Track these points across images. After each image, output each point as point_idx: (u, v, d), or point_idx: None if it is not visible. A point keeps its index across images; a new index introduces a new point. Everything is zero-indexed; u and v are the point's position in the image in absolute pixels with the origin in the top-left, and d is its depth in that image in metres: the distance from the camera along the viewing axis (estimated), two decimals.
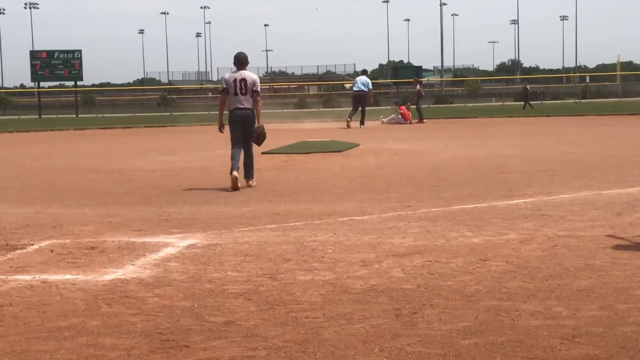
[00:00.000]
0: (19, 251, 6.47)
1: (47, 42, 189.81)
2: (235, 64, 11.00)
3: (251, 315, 4.49)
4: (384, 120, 30.11)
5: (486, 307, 4.51)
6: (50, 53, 60.66)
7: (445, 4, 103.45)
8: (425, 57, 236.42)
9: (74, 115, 57.57)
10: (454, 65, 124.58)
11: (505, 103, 59.52)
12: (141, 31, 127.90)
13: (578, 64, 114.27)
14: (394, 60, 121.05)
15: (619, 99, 59.55)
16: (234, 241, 6.69)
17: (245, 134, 10.86)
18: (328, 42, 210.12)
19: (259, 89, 10.94)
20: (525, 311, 4.42)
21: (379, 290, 4.95)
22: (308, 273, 5.47)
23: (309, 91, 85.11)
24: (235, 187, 10.38)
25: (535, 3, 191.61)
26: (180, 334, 4.17)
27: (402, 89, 66.63)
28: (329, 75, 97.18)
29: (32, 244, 6.74)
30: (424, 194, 9.55)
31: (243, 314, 4.52)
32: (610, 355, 3.70)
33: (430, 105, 32.27)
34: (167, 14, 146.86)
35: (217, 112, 11.37)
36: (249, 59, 11.08)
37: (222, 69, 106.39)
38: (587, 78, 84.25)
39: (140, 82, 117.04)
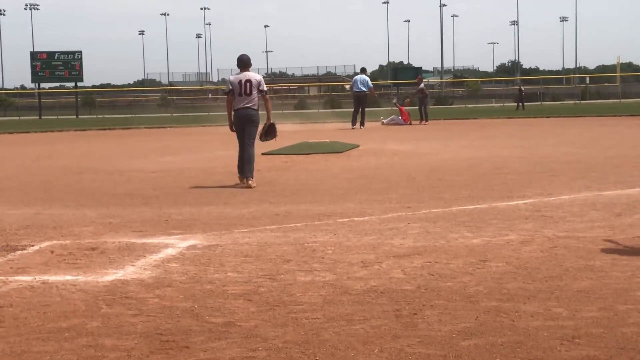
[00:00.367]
0: (19, 252, 6.47)
1: (48, 43, 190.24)
2: (238, 66, 11.32)
3: (251, 316, 4.50)
4: (384, 121, 30.11)
5: (486, 308, 4.51)
6: (51, 54, 60.65)
7: (445, 5, 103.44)
8: (425, 58, 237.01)
9: (74, 116, 57.58)
10: (453, 67, 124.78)
11: (505, 104, 59.47)
12: (141, 32, 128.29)
13: (578, 65, 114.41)
14: (394, 62, 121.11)
15: (618, 100, 59.53)
16: (234, 242, 6.69)
17: (248, 131, 11.13)
18: (328, 43, 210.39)
19: (265, 88, 11.29)
20: (525, 312, 4.42)
21: (379, 291, 4.95)
22: (308, 274, 5.47)
23: (309, 92, 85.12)
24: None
25: (535, 4, 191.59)
26: (180, 335, 4.17)
27: (402, 90, 66.62)
28: (329, 77, 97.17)
29: (33, 245, 6.75)
30: (424, 194, 9.55)
31: (243, 314, 4.52)
32: (610, 356, 3.71)
33: (430, 107, 32.23)
34: (168, 15, 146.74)
35: (225, 113, 11.60)
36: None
37: (223, 70, 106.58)
38: (587, 79, 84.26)
39: (141, 83, 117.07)
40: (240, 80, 11.07)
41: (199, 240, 6.83)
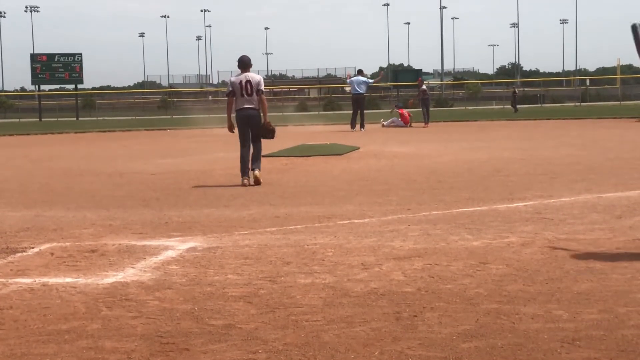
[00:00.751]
0: (19, 254, 6.47)
1: (48, 45, 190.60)
2: (239, 67, 11.50)
3: (251, 318, 4.49)
4: (385, 123, 30.12)
5: (486, 311, 4.51)
6: (51, 56, 60.71)
7: (445, 8, 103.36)
8: (425, 61, 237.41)
9: (75, 119, 57.59)
10: (454, 69, 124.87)
11: (506, 106, 59.46)
12: (142, 34, 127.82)
13: (578, 67, 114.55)
14: (394, 64, 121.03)
15: (619, 102, 59.53)
16: (234, 244, 6.69)
17: (253, 131, 11.38)
18: (328, 46, 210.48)
19: (263, 88, 11.46)
20: (526, 314, 4.42)
21: (379, 294, 4.95)
22: (308, 276, 5.47)
23: (309, 94, 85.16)
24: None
25: (536, 6, 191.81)
26: (180, 337, 4.17)
27: (402, 92, 66.63)
28: (329, 79, 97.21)
29: (33, 247, 6.75)
30: (425, 196, 9.55)
31: (243, 317, 4.52)
32: (611, 359, 3.70)
33: (431, 109, 32.23)
34: (168, 17, 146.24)
35: (225, 115, 11.77)
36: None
37: (223, 72, 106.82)
38: (587, 81, 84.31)
39: (141, 85, 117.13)
40: (241, 81, 11.25)
41: (199, 242, 6.83)
